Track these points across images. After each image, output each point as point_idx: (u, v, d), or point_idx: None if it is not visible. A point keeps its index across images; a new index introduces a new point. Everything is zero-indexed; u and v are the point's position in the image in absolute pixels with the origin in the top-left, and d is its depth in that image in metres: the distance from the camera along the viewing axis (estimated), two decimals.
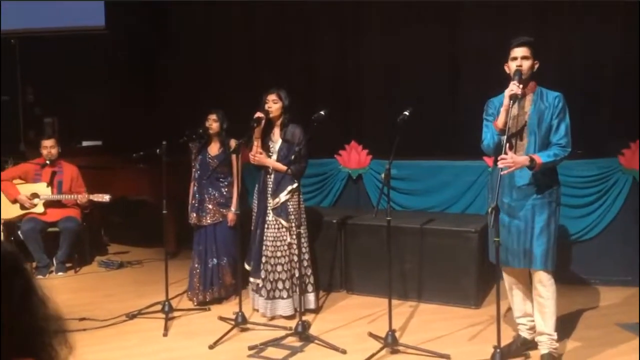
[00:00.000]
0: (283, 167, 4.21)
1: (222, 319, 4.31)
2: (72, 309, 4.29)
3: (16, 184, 5.73)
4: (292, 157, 4.03)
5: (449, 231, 4.65)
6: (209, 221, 4.67)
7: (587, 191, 4.97)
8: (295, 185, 4.22)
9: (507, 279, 3.62)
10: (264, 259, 4.30)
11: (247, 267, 4.44)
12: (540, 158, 3.26)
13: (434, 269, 4.63)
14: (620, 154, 4.90)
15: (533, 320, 3.56)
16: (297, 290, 4.24)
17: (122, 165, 6.21)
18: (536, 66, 3.39)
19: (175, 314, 4.45)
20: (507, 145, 3.27)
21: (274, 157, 4.29)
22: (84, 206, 5.80)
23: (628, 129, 5.15)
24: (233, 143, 4.52)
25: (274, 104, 4.25)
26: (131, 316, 4.41)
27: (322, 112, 3.94)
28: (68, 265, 5.81)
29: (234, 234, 4.60)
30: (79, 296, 4.93)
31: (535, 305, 3.47)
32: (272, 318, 4.31)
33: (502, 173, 3.20)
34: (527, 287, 3.57)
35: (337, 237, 5.00)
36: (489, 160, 4.99)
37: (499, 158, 3.24)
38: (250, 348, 3.80)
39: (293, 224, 4.24)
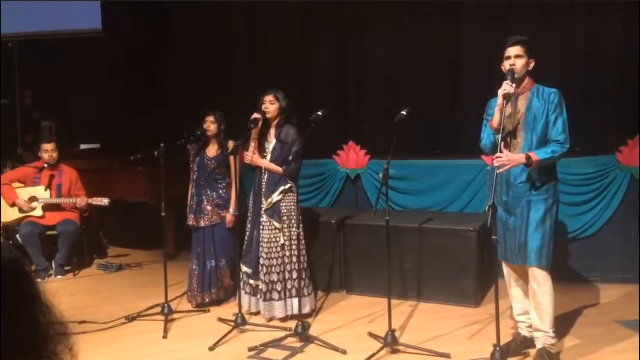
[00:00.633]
0: (276, 168, 4.21)
1: (221, 320, 4.31)
2: (71, 312, 4.22)
3: (15, 187, 5.73)
4: (290, 157, 4.03)
5: (448, 230, 4.65)
6: (207, 223, 4.67)
7: (585, 189, 4.98)
8: (288, 185, 4.22)
9: (507, 276, 3.62)
10: (261, 261, 4.29)
11: (243, 268, 4.42)
12: (537, 155, 3.26)
13: (433, 268, 4.63)
14: (618, 151, 4.91)
15: (531, 317, 3.57)
16: (292, 293, 4.24)
17: (121, 168, 6.20)
18: (531, 65, 3.39)
19: (175, 316, 4.45)
20: (503, 144, 3.27)
21: (268, 157, 4.29)
22: (82, 209, 5.80)
23: (626, 127, 5.16)
24: (231, 144, 4.51)
25: (271, 105, 4.26)
26: (131, 319, 4.40)
27: (320, 113, 3.94)
28: (67, 268, 5.81)
29: (232, 235, 4.59)
30: (78, 299, 4.92)
31: (531, 303, 3.48)
32: (271, 320, 4.31)
33: (498, 171, 3.21)
34: (528, 284, 3.57)
35: (336, 237, 5.00)
36: (487, 159, 5.00)
37: (494, 157, 3.25)
38: (251, 349, 3.80)
39: (286, 225, 4.23)
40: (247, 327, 4.15)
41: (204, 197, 4.67)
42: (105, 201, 5.57)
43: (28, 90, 7.87)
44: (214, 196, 4.67)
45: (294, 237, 4.25)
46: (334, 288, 5.01)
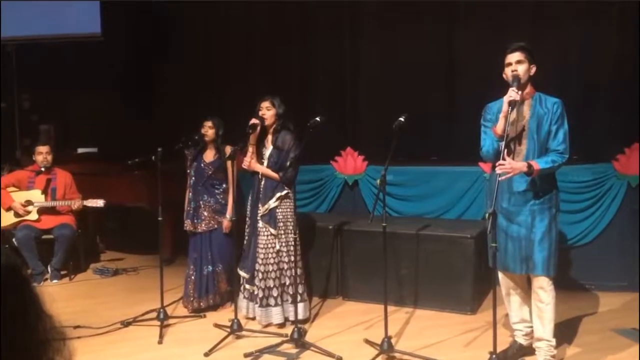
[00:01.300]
0: (272, 174, 4.22)
1: (217, 326, 4.30)
2: (66, 317, 4.21)
3: (10, 191, 5.71)
4: (287, 163, 4.04)
5: (444, 237, 4.65)
6: (204, 228, 4.66)
7: (582, 196, 4.98)
8: (285, 192, 4.22)
9: (504, 284, 3.61)
10: (257, 267, 4.29)
11: (240, 273, 4.42)
12: (538, 164, 3.26)
13: (430, 275, 4.63)
14: (615, 159, 4.92)
15: (530, 326, 3.56)
16: (288, 298, 4.23)
17: (118, 172, 6.19)
18: (533, 70, 3.39)
19: (171, 321, 4.43)
20: (506, 151, 3.27)
21: (265, 163, 4.29)
22: (78, 212, 5.77)
23: (623, 135, 5.17)
24: (228, 149, 4.51)
25: (267, 111, 4.26)
26: (126, 324, 4.38)
27: (317, 119, 3.95)
28: (63, 272, 5.78)
29: (229, 240, 4.58)
30: (73, 304, 4.90)
31: (534, 311, 3.47)
32: (267, 325, 4.29)
33: (500, 179, 3.19)
34: (526, 292, 3.57)
35: (333, 243, 4.99)
36: (484, 166, 5.01)
37: (497, 164, 3.24)
38: (246, 355, 3.78)
39: (282, 231, 4.23)
40: (243, 332, 4.13)
41: (201, 202, 4.66)
42: (100, 202, 5.55)
43: (26, 94, 7.87)
44: (211, 201, 4.67)
45: (290, 243, 4.24)
46: (330, 294, 5.00)
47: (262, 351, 3.83)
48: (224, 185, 4.70)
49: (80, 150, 7.71)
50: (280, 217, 4.24)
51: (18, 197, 5.68)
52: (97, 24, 7.56)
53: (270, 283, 4.25)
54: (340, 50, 6.86)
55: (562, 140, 3.33)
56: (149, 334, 4.22)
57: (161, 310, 4.35)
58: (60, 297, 5.13)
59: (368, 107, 6.72)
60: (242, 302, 4.41)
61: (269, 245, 4.25)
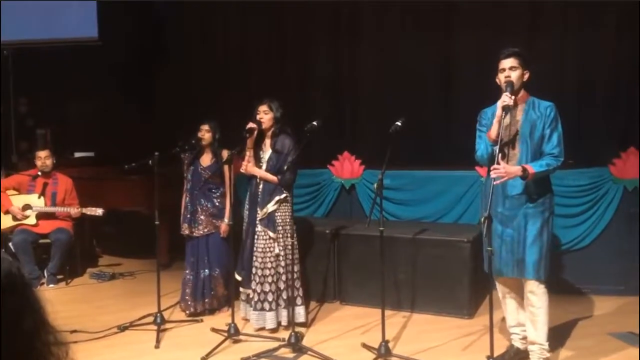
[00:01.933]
0: (271, 177, 4.22)
1: (214, 330, 4.29)
2: (63, 322, 4.16)
3: (10, 194, 5.71)
4: (285, 167, 4.04)
5: (441, 241, 4.65)
6: (201, 232, 4.66)
7: (578, 200, 5.00)
8: (283, 195, 4.22)
9: (500, 288, 3.63)
10: (253, 270, 4.28)
11: (237, 277, 4.41)
12: (532, 168, 3.28)
13: (427, 279, 4.63)
14: (611, 163, 4.93)
15: (526, 330, 3.57)
16: (284, 303, 4.23)
17: (115, 176, 6.19)
18: (526, 76, 3.41)
19: (168, 325, 4.42)
20: (500, 155, 3.29)
21: (264, 166, 4.30)
22: (75, 217, 5.77)
23: (619, 139, 5.20)
24: (225, 154, 4.51)
25: (265, 115, 4.27)
26: (123, 328, 4.37)
27: (314, 123, 3.95)
28: (59, 277, 5.77)
29: (226, 244, 4.58)
30: (70, 308, 4.89)
31: (527, 315, 3.48)
32: (260, 329, 4.28)
33: (494, 183, 3.22)
34: (521, 296, 3.57)
35: (330, 247, 5.00)
36: (481, 170, 5.02)
37: (491, 168, 3.26)
38: (243, 359, 3.78)
39: (280, 235, 4.23)
40: (240, 337, 4.13)
41: (198, 207, 4.66)
42: (99, 211, 5.54)
43: (23, 98, 7.86)
44: (208, 205, 4.66)
45: (289, 247, 4.24)
46: (327, 298, 5.00)
47: (259, 356, 3.82)
48: (221, 190, 4.70)
49: (77, 155, 7.70)
50: (279, 220, 4.24)
51: (17, 200, 5.68)
52: (94, 28, 7.56)
53: (267, 287, 4.25)
54: (337, 54, 6.88)
55: (557, 143, 3.35)
56: (146, 338, 4.21)
57: (158, 314, 4.34)
58: (57, 301, 5.06)
59: (365, 111, 6.74)
60: (242, 305, 4.44)
61: (268, 249, 4.25)
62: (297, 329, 4.13)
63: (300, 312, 4.34)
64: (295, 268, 4.29)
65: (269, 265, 4.25)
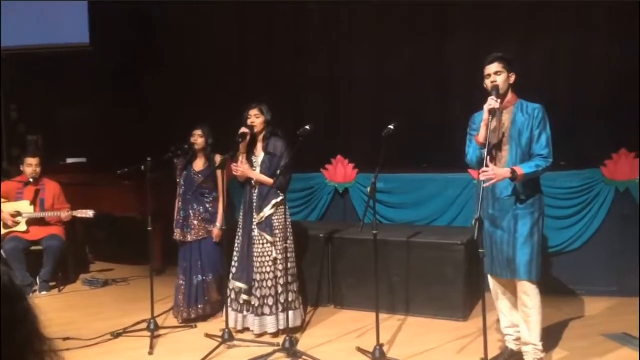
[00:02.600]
0: (267, 179, 4.21)
1: (208, 336, 4.27)
2: (56, 329, 4.16)
3: None
4: (278, 171, 4.04)
5: (435, 244, 4.66)
6: (193, 237, 4.64)
7: (570, 202, 5.02)
8: (279, 198, 4.21)
9: (494, 289, 3.64)
10: (253, 275, 4.26)
11: (237, 284, 4.32)
12: (522, 169, 3.30)
13: (421, 282, 4.63)
14: (603, 165, 4.96)
15: (520, 331, 3.58)
16: (280, 307, 4.21)
17: (107, 182, 6.16)
18: (512, 79, 3.44)
19: (161, 331, 4.40)
20: (488, 157, 3.30)
21: (257, 170, 4.29)
22: (67, 222, 5.73)
23: (611, 141, 5.23)
24: (218, 158, 4.51)
25: (256, 119, 4.26)
26: (116, 335, 4.34)
27: (307, 127, 3.95)
28: (52, 284, 5.73)
29: (219, 250, 4.56)
30: (63, 315, 4.85)
31: (520, 315, 3.50)
32: (261, 335, 4.27)
33: (484, 185, 3.25)
34: (515, 296, 3.58)
35: (324, 251, 4.99)
36: (474, 173, 5.03)
37: (480, 171, 3.28)
38: None
39: (278, 239, 4.22)
40: (235, 342, 4.11)
41: (190, 212, 4.64)
42: (89, 213, 5.51)
43: (14, 104, 7.83)
44: (201, 210, 4.65)
45: (285, 250, 4.23)
46: (322, 302, 4.99)
47: None
48: (214, 194, 4.69)
49: (69, 161, 7.67)
50: (277, 224, 4.23)
51: (6, 208, 5.63)
52: (86, 34, 7.55)
53: (266, 292, 4.23)
54: (331, 58, 6.89)
55: (546, 144, 3.37)
56: (139, 345, 4.18)
57: (152, 320, 4.32)
58: (50, 308, 5.06)
59: (359, 115, 6.75)
60: (231, 315, 4.32)
61: (265, 254, 4.23)
62: (293, 333, 4.12)
63: (297, 316, 4.33)
64: (292, 271, 4.28)
65: (266, 270, 4.23)
